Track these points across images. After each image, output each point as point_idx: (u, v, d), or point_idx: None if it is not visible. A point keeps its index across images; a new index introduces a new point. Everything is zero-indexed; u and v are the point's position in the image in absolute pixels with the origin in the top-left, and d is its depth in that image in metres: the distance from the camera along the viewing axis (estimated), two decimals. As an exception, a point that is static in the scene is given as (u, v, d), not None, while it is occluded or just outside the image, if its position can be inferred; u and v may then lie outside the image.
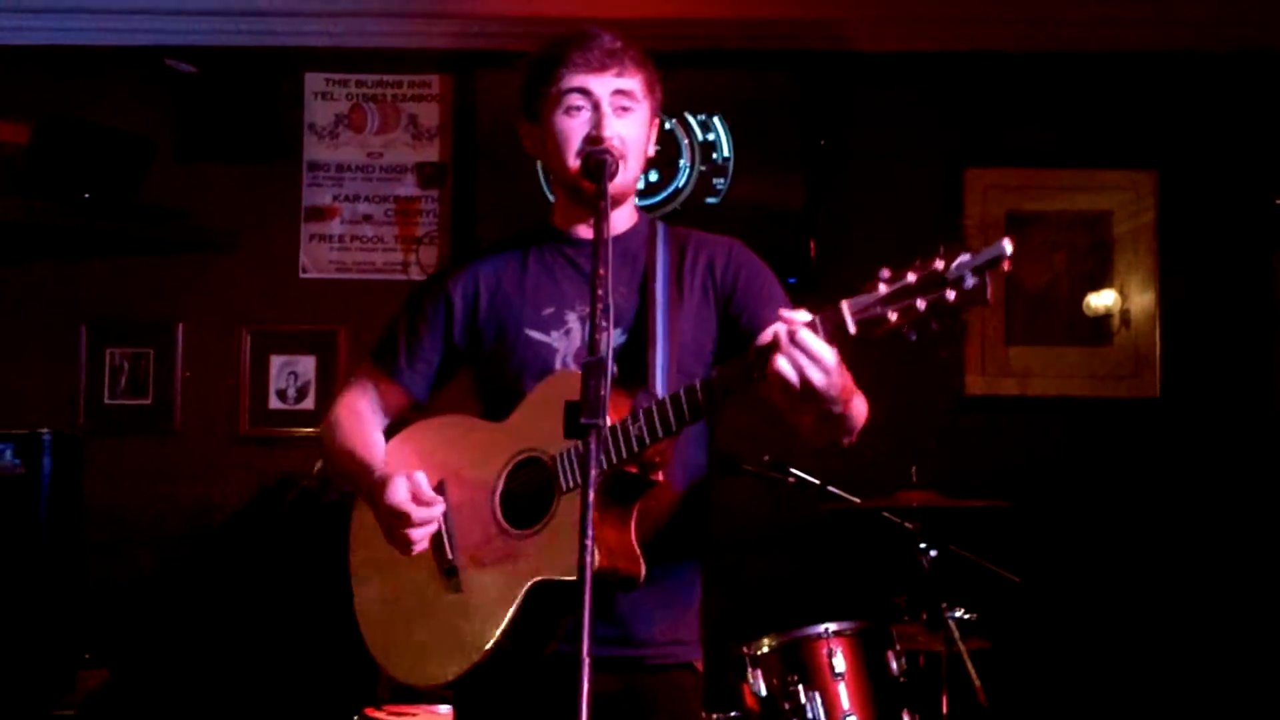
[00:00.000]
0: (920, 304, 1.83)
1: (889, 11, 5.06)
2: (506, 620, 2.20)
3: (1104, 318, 5.06)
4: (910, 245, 1.94)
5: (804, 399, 1.96)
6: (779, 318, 1.96)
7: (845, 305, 1.90)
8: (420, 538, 2.26)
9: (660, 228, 2.43)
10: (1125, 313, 5.05)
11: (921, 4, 5.06)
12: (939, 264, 1.83)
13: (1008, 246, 1.78)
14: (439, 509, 2.26)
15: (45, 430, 4.48)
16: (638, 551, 2.19)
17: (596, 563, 2.07)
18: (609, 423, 2.11)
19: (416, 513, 2.24)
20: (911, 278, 1.84)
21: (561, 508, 2.18)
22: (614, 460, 2.12)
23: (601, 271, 2.07)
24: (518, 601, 2.20)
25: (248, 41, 5.13)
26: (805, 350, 1.92)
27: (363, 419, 2.47)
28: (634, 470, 2.15)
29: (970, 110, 5.10)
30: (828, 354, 1.92)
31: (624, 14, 4.52)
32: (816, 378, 1.93)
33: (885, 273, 1.88)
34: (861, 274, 1.93)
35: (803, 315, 1.95)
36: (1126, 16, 5.01)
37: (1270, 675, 4.69)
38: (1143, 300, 5.05)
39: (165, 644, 4.86)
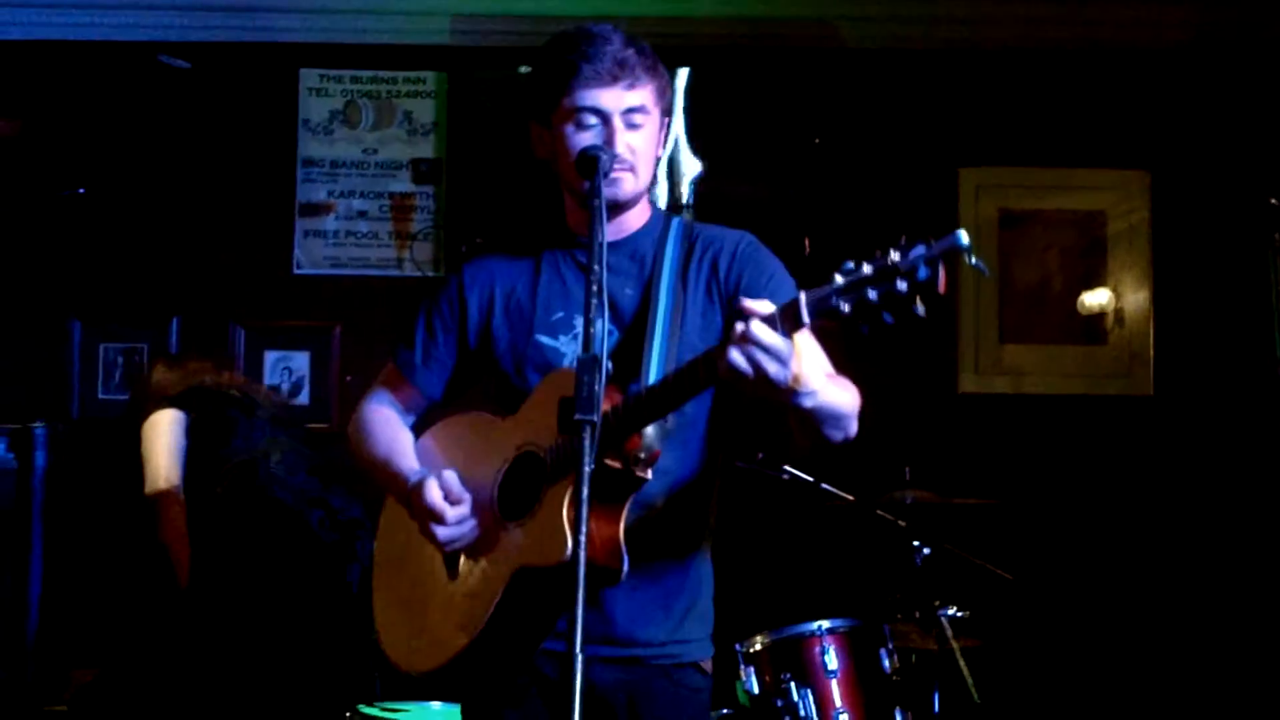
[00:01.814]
0: (872, 294, 1.82)
1: (883, 9, 5.06)
2: (492, 607, 2.21)
3: (1098, 316, 5.07)
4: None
5: (761, 390, 1.96)
6: (740, 307, 1.96)
7: (803, 295, 1.91)
8: (450, 535, 2.27)
9: (675, 224, 2.42)
10: (1119, 311, 5.06)
11: (915, 2, 5.07)
12: (894, 255, 1.81)
13: (962, 237, 1.77)
14: (467, 507, 2.27)
15: (38, 424, 4.48)
16: (621, 548, 2.18)
17: (568, 552, 2.07)
18: None
19: (449, 512, 2.25)
20: (868, 269, 1.83)
21: (547, 497, 2.19)
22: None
23: (595, 268, 2.07)
24: (502, 589, 2.21)
25: (241, 37, 5.13)
26: (756, 342, 1.92)
27: (390, 423, 2.48)
28: (617, 464, 2.15)
29: (963, 109, 5.11)
30: (780, 344, 1.92)
31: (619, 12, 4.52)
32: (771, 369, 1.93)
33: (849, 264, 1.87)
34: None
35: (765, 307, 1.95)
36: (1118, 15, 5.02)
37: (1263, 674, 4.70)
38: (1136, 299, 5.06)
39: (158, 640, 4.85)
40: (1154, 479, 4.92)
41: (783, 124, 5.04)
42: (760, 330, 1.92)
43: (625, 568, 2.18)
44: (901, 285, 1.79)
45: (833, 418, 2.14)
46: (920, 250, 1.79)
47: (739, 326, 1.94)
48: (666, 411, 2.13)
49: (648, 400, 2.11)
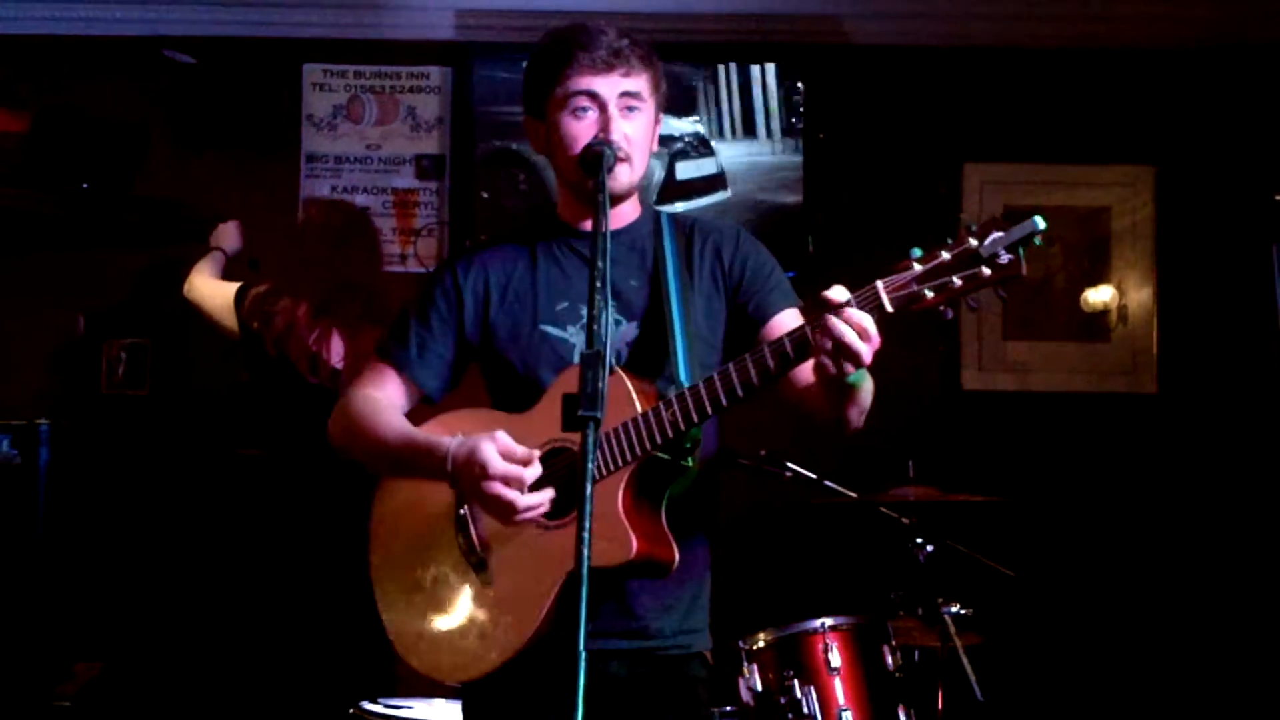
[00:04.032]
0: (957, 281, 1.89)
1: (888, 6, 5.06)
2: (545, 611, 2.20)
3: (1101, 313, 5.07)
4: (909, 241, 1.94)
5: (842, 371, 1.99)
6: (822, 299, 1.99)
7: (880, 285, 1.95)
8: (531, 502, 2.15)
9: (665, 217, 2.44)
10: (1123, 308, 5.06)
11: (920, -1, 5.07)
12: (973, 241, 1.89)
13: (1039, 222, 1.87)
14: (536, 468, 2.16)
15: (42, 421, 4.48)
16: (670, 537, 2.19)
17: (635, 549, 2.11)
18: (639, 410, 2.14)
19: (528, 475, 2.14)
20: (946, 256, 1.90)
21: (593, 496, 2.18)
22: (648, 446, 2.13)
23: (600, 264, 2.06)
24: (554, 592, 2.19)
25: (245, 32, 5.13)
26: (852, 323, 1.95)
27: (391, 409, 2.39)
28: (666, 457, 2.16)
29: (968, 105, 5.10)
30: (871, 325, 1.96)
31: (621, 7, 4.52)
32: (862, 349, 1.96)
33: (917, 251, 1.94)
34: (860, 268, 1.93)
35: (841, 294, 1.98)
36: (1125, 12, 5.01)
37: (1265, 672, 4.69)
38: (1140, 296, 5.05)
39: (161, 635, 4.85)
40: (1157, 477, 4.92)
41: (789, 119, 5.03)
42: (861, 318, 1.95)
43: (677, 555, 2.19)
44: (985, 271, 1.88)
45: (861, 398, 2.17)
46: (999, 235, 1.87)
47: (830, 307, 1.95)
48: (727, 409, 2.11)
49: (708, 397, 2.09)
